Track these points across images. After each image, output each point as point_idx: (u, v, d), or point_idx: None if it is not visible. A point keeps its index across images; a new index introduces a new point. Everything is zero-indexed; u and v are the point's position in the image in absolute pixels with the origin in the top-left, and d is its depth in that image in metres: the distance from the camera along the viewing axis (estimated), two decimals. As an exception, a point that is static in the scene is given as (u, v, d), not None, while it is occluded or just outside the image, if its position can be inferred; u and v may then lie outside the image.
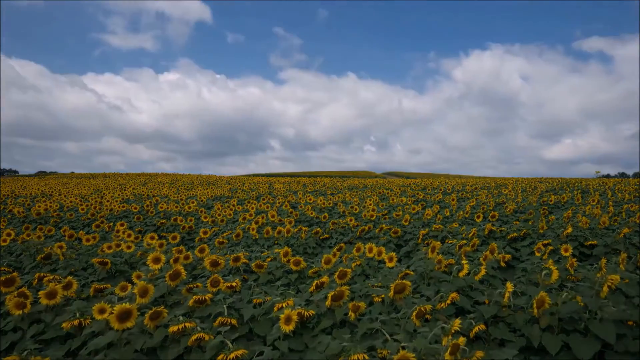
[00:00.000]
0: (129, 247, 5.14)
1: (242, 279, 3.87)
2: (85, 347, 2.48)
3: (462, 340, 1.87)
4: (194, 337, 2.32)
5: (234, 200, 12.05)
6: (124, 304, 2.45)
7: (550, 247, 4.52)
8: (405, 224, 7.11)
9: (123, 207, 10.78)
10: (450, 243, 4.95)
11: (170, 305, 3.11)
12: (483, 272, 3.33)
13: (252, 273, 4.10)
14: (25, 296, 2.96)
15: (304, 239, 6.22)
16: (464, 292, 3.15)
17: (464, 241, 4.70)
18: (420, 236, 5.89)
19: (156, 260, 3.79)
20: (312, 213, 8.90)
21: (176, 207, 10.60)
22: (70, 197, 13.66)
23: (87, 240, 5.74)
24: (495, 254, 4.07)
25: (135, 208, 10.44)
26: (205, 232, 6.68)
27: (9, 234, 5.86)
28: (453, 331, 2.06)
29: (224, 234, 6.88)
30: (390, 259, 3.94)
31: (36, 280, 3.77)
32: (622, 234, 4.91)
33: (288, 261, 4.06)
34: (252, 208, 9.81)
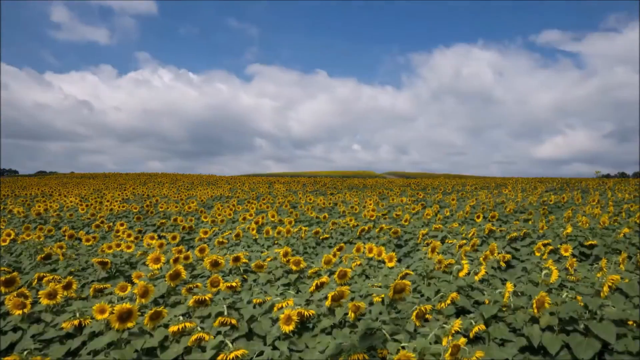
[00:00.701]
0: (128, 247, 5.14)
1: (242, 279, 3.87)
2: (85, 347, 2.48)
3: (462, 340, 1.87)
4: (194, 337, 2.32)
5: (234, 200, 12.05)
6: (124, 304, 2.45)
7: (550, 247, 4.52)
8: (405, 224, 7.11)
9: (123, 207, 10.78)
10: (450, 243, 4.95)
11: (170, 305, 3.11)
12: (483, 272, 3.33)
13: (252, 273, 4.10)
14: (25, 296, 2.96)
15: (304, 239, 6.21)
16: (464, 292, 3.15)
17: (464, 241, 4.70)
18: (420, 236, 5.89)
19: (156, 260, 3.79)
20: (312, 213, 8.90)
21: (176, 207, 10.60)
22: (70, 197, 13.67)
23: (87, 240, 5.74)
24: (495, 254, 4.07)
25: (135, 208, 10.44)
26: (205, 232, 6.68)
27: (9, 234, 5.86)
28: (453, 331, 2.06)
29: (224, 234, 6.88)
30: (390, 259, 3.94)
31: (36, 280, 3.77)
32: (622, 234, 4.91)
33: (288, 261, 4.06)
34: (252, 208, 9.81)
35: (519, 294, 2.93)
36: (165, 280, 3.28)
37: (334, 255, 4.14)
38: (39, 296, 3.00)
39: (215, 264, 3.84)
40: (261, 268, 4.02)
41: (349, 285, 3.09)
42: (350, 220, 7.46)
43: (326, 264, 3.98)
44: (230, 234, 6.84)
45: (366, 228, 6.91)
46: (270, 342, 2.51)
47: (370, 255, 4.19)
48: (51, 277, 3.76)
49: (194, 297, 2.85)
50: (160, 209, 10.19)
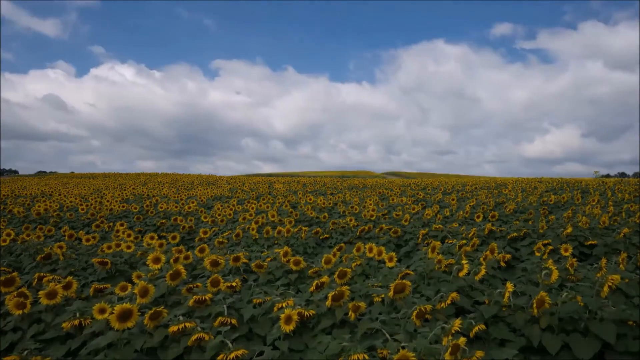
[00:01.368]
0: (128, 247, 5.14)
1: (242, 279, 3.87)
2: (85, 347, 2.48)
3: (462, 340, 1.87)
4: (194, 337, 2.32)
5: (234, 200, 12.04)
6: (124, 304, 2.45)
7: (550, 247, 4.51)
8: (405, 224, 7.11)
9: (123, 207, 10.78)
10: (450, 243, 4.95)
11: (170, 305, 3.10)
12: (483, 272, 3.33)
13: (252, 273, 4.10)
14: (25, 296, 2.96)
15: (304, 239, 6.21)
16: (464, 292, 3.15)
17: (464, 241, 4.70)
18: (420, 236, 5.89)
19: (156, 260, 3.79)
20: (312, 213, 8.90)
21: (176, 207, 10.60)
22: (70, 197, 13.67)
23: (87, 240, 5.74)
24: (495, 254, 4.07)
25: (135, 208, 10.44)
26: (205, 232, 6.68)
27: (9, 234, 5.86)
28: (453, 331, 2.06)
29: (224, 234, 6.88)
30: (390, 259, 3.94)
31: (36, 280, 3.77)
32: (622, 234, 4.91)
33: (288, 261, 4.06)
34: (252, 208, 9.81)
35: (519, 294, 2.93)
36: (165, 280, 3.28)
37: (334, 255, 4.13)
38: (39, 296, 3.00)
39: (215, 264, 3.84)
40: (261, 268, 4.02)
41: (349, 285, 3.09)
42: (350, 220, 7.45)
43: (326, 264, 3.98)
44: (230, 234, 6.84)
45: (366, 228, 6.91)
46: (270, 342, 2.51)
47: (370, 255, 4.19)
48: (51, 277, 3.76)
49: (194, 297, 2.85)
50: (160, 209, 10.18)
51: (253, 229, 6.81)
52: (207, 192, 15.86)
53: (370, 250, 4.24)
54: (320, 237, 6.71)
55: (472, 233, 5.41)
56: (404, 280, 2.80)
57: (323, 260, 4.02)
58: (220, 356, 2.13)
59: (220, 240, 5.85)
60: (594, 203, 8.90)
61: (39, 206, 10.47)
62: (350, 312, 2.61)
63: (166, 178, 30.16)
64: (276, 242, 6.30)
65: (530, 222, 6.09)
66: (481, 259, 3.81)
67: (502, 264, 4.08)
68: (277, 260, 4.20)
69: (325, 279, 3.18)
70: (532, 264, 3.78)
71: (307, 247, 6.06)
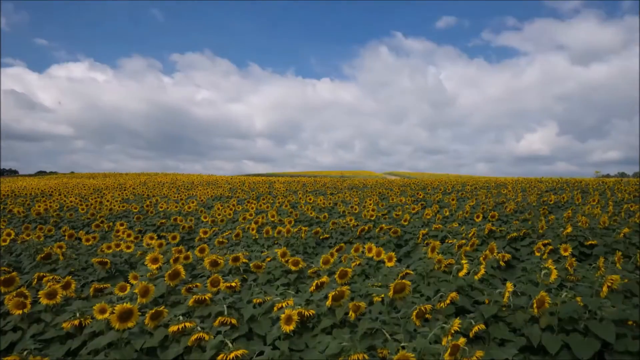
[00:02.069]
0: (128, 247, 5.14)
1: (241, 279, 3.87)
2: (86, 347, 2.48)
3: (462, 340, 1.88)
4: (194, 337, 2.32)
5: (234, 200, 12.04)
6: (125, 304, 2.45)
7: (550, 247, 4.51)
8: (405, 224, 7.11)
9: (123, 207, 10.78)
10: (450, 243, 4.95)
11: (170, 305, 3.11)
12: (483, 271, 3.33)
13: (251, 273, 4.10)
14: (25, 296, 2.96)
15: (304, 239, 6.21)
16: (463, 292, 3.15)
17: (464, 241, 4.70)
18: (420, 236, 5.89)
19: (154, 260, 3.79)
20: (312, 213, 8.90)
21: (176, 207, 10.60)
22: (70, 197, 13.66)
23: (87, 240, 5.74)
24: (494, 254, 4.07)
25: (135, 208, 10.44)
26: (205, 232, 6.68)
27: (9, 234, 5.86)
28: (453, 331, 2.06)
29: (224, 234, 6.88)
30: (390, 259, 3.94)
31: (36, 280, 3.77)
32: (622, 234, 4.91)
33: (287, 261, 4.07)
34: (252, 208, 9.81)
35: (519, 293, 2.93)
36: (164, 280, 3.28)
37: (332, 255, 4.14)
38: (38, 296, 3.00)
39: (215, 264, 3.85)
40: (259, 268, 4.02)
41: (348, 285, 3.09)
42: (350, 220, 7.45)
43: (325, 264, 3.98)
44: (230, 234, 6.84)
45: (366, 228, 6.91)
46: (270, 342, 2.51)
47: (370, 255, 4.19)
48: (51, 277, 3.76)
49: (194, 296, 2.85)
50: (160, 209, 10.19)
51: (253, 229, 6.81)
52: (207, 192, 15.86)
53: (370, 250, 4.24)
54: (320, 237, 6.70)
55: (471, 233, 5.41)
56: (403, 280, 2.80)
57: (321, 260, 4.02)
58: (220, 356, 2.13)
59: (220, 240, 5.85)
60: (593, 203, 8.90)
61: (39, 206, 10.47)
62: (350, 312, 2.61)
63: (166, 178, 30.17)
64: (276, 242, 6.30)
65: (530, 222, 6.09)
66: (481, 258, 3.81)
67: (502, 263, 4.08)
68: (277, 260, 4.20)
69: (325, 278, 3.17)
70: (532, 263, 3.78)
71: (307, 247, 6.06)
